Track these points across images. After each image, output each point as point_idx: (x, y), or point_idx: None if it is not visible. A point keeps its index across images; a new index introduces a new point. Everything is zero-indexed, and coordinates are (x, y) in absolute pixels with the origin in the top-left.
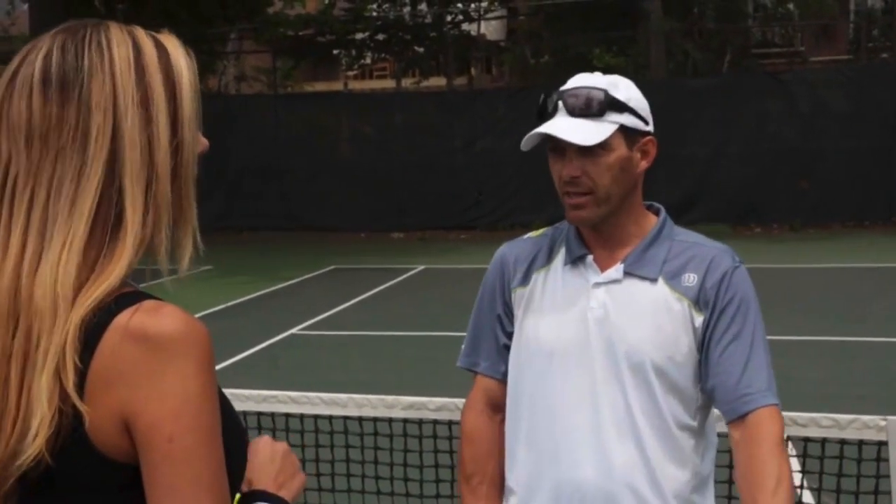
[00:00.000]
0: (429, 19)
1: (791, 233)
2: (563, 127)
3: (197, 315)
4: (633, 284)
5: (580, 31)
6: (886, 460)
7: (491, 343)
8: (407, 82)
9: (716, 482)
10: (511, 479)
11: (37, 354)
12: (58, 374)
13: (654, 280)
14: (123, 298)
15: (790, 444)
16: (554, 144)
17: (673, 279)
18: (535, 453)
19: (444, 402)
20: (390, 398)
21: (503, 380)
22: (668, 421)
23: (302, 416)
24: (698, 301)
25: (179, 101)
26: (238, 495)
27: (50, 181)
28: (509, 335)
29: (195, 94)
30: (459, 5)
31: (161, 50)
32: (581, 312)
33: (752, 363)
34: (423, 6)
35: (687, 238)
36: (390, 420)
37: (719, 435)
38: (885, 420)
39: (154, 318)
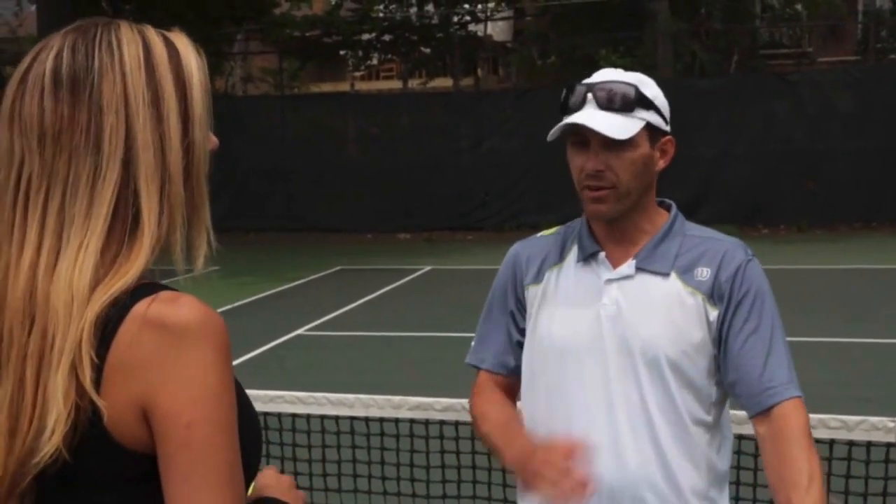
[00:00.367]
0: (435, 20)
1: (798, 234)
2: (595, 118)
3: None
4: (646, 280)
5: (587, 31)
6: (895, 462)
7: (500, 339)
8: (413, 83)
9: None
10: None
11: (52, 353)
12: (73, 372)
13: (666, 275)
14: (139, 290)
15: None
16: (577, 137)
17: (685, 273)
18: None
19: (450, 403)
20: (397, 399)
21: (508, 375)
22: (684, 416)
23: (309, 417)
24: (712, 295)
25: (190, 100)
26: (253, 484)
27: (65, 182)
28: (521, 331)
29: (206, 93)
30: (466, 6)
31: (171, 49)
32: (594, 309)
33: (773, 356)
34: (429, 7)
35: (698, 233)
36: (397, 420)
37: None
38: (893, 421)
39: (172, 307)
